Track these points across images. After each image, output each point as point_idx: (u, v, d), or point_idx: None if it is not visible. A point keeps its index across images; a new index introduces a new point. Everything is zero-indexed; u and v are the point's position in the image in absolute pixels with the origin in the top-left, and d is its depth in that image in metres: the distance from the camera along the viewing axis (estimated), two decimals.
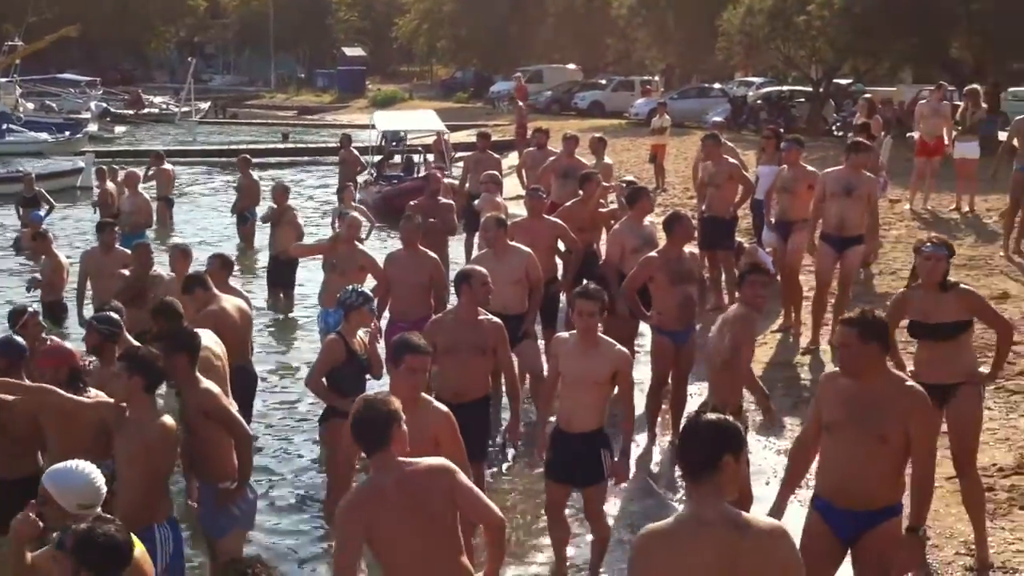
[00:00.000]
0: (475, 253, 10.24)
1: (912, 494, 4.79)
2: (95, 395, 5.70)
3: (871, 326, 4.70)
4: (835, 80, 31.85)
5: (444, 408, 5.15)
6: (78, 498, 4.28)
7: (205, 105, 48.29)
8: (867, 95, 19.07)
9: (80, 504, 4.25)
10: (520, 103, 29.09)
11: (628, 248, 8.74)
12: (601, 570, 6.27)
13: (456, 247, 12.59)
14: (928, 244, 6.06)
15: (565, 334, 6.38)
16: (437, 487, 4.06)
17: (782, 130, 19.46)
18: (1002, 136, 15.74)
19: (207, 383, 5.64)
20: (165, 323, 6.70)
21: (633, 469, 7.77)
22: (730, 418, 3.46)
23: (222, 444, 5.59)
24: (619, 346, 6.22)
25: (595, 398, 6.04)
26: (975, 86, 16.33)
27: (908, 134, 24.79)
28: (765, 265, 6.72)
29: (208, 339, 6.55)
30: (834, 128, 27.63)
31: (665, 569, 3.34)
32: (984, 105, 16.66)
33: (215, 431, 5.57)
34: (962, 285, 6.19)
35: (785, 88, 34.14)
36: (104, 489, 4.42)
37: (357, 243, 9.68)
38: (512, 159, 20.27)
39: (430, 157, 21.08)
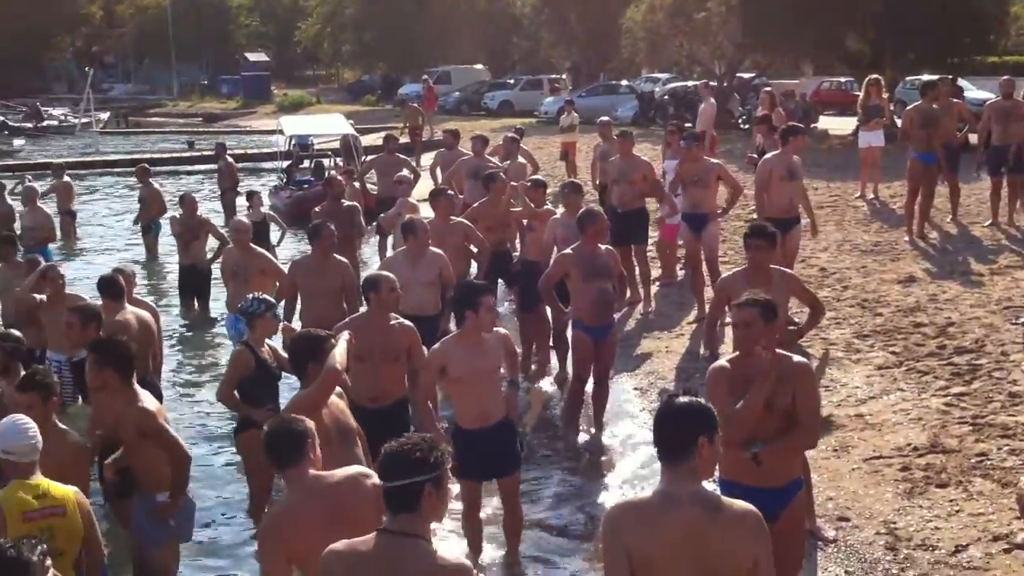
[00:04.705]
0: (389, 254, 10.11)
1: None
2: None
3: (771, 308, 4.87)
4: (738, 74, 32.38)
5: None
6: (3, 443, 4.50)
7: (105, 115, 47.17)
8: (768, 88, 19.35)
9: (4, 450, 4.51)
10: (414, 104, 28.54)
11: (560, 238, 8.85)
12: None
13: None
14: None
15: (439, 345, 6.18)
16: (362, 493, 3.97)
17: (688, 124, 19.83)
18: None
19: (146, 401, 5.39)
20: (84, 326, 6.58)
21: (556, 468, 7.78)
22: (703, 400, 3.46)
23: (157, 458, 5.39)
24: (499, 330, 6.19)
25: (494, 388, 6.09)
26: (876, 76, 16.69)
27: (812, 125, 25.45)
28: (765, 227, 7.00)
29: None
30: (740, 121, 28.07)
31: (633, 542, 3.33)
32: (885, 94, 17.08)
33: (151, 446, 5.37)
34: None
35: (691, 83, 34.58)
36: (37, 445, 4.55)
37: (253, 247, 9.55)
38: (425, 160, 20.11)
39: (339, 160, 20.83)
